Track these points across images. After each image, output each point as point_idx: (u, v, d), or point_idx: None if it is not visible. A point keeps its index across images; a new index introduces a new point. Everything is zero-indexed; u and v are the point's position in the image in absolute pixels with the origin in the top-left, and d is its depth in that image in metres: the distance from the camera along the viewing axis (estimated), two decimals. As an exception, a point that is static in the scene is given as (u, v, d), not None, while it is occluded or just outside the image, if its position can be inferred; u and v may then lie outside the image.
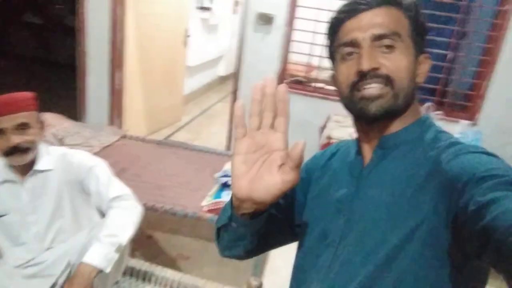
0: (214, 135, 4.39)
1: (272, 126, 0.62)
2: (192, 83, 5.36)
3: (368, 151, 0.79)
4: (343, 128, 2.67)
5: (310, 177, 0.90)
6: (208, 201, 2.02)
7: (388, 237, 0.69)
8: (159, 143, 2.94)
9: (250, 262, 2.14)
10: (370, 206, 0.73)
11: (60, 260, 1.40)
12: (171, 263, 1.92)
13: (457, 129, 2.56)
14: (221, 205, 1.95)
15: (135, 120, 3.82)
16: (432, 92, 2.92)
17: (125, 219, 1.36)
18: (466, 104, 2.96)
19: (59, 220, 1.42)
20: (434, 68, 2.69)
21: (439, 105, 2.85)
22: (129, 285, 1.57)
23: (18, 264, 1.40)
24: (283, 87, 0.60)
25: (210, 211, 1.97)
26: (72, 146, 2.40)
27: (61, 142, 2.55)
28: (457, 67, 2.95)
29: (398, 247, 0.67)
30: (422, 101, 2.58)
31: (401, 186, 0.70)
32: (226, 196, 2.00)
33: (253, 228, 0.73)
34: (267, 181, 0.62)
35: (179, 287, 1.61)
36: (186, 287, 1.62)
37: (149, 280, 1.61)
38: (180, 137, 4.27)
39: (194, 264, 2.17)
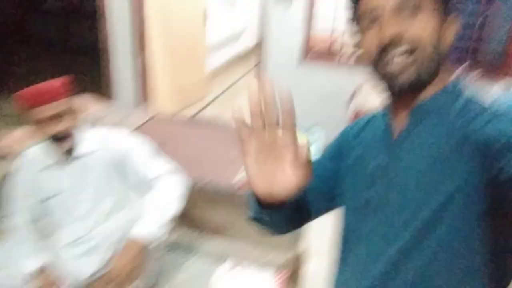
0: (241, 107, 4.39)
1: (277, 123, 0.62)
2: (215, 59, 5.35)
3: (399, 121, 0.78)
4: (373, 98, 2.63)
5: (342, 150, 0.91)
6: (240, 177, 2.05)
7: (425, 204, 0.70)
8: (187, 121, 2.97)
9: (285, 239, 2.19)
10: (405, 174, 0.74)
11: (106, 238, 1.46)
12: (212, 236, 1.96)
13: (495, 89, 2.48)
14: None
15: (162, 100, 3.87)
16: (466, 51, 2.81)
17: (170, 194, 1.41)
18: (503, 63, 2.82)
19: (102, 201, 1.48)
20: (468, 26, 2.59)
21: (475, 66, 2.75)
22: (174, 258, 1.63)
23: (66, 244, 1.47)
24: (286, 97, 0.60)
25: (243, 186, 2.01)
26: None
27: (92, 126, 2.61)
28: (492, 24, 2.83)
29: (436, 212, 0.68)
30: (457, 62, 2.50)
31: (434, 153, 0.70)
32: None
33: (285, 215, 0.75)
34: (281, 178, 0.63)
35: (223, 257, 1.66)
36: (230, 255, 1.66)
37: (193, 252, 1.66)
38: (207, 113, 4.31)
39: (235, 235, 2.21)
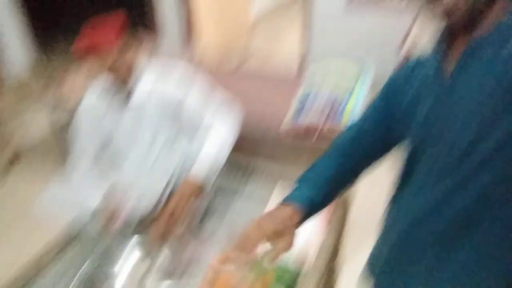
0: (286, 57, 4.35)
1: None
2: (260, 6, 5.23)
3: (451, 60, 0.78)
4: (424, 40, 2.52)
5: (395, 94, 0.92)
6: (286, 125, 2.09)
7: (481, 139, 0.71)
8: (231, 70, 2.99)
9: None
10: (461, 110, 0.75)
11: (160, 180, 1.59)
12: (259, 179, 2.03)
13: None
14: (299, 129, 2.02)
15: (206, 47, 3.88)
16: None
17: (222, 138, 1.49)
18: None
19: (157, 142, 1.59)
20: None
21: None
22: (221, 199, 1.74)
23: (131, 177, 1.61)
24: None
25: (289, 134, 2.05)
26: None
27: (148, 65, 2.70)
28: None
29: (492, 149, 0.70)
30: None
31: (490, 89, 0.70)
32: (302, 120, 2.05)
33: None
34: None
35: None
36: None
37: (238, 193, 1.79)
38: (252, 62, 4.31)
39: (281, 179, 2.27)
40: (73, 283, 1.35)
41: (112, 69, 1.42)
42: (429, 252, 0.83)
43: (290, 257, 1.49)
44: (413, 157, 0.88)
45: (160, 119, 1.55)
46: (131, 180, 1.61)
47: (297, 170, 1.81)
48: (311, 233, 1.59)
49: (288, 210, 0.84)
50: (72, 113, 3.09)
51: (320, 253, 1.49)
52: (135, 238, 1.50)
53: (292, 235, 0.82)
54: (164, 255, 1.44)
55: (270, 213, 0.85)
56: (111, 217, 1.52)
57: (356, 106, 2.02)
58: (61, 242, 1.58)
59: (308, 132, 2.05)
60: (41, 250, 1.53)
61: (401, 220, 0.88)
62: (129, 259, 1.46)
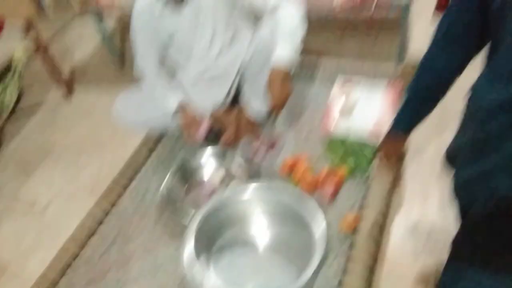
0: None
1: None
2: None
3: None
4: None
5: None
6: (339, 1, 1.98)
7: None
8: None
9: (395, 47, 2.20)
10: None
11: (233, 62, 1.58)
12: (319, 58, 2.00)
13: None
14: (354, 1, 1.91)
15: None
16: None
17: (294, 19, 1.42)
18: None
19: (219, 35, 1.55)
20: None
21: None
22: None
23: (192, 77, 1.63)
24: None
25: (344, 7, 1.96)
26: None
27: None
28: None
29: None
30: None
31: None
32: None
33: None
34: None
35: (334, 76, 1.77)
36: (340, 73, 1.77)
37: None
38: None
39: (342, 55, 2.24)
40: (167, 178, 1.49)
41: None
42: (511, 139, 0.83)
43: (365, 132, 1.53)
44: (496, 46, 0.83)
45: (219, 10, 1.50)
46: (197, 77, 1.63)
47: (354, 63, 1.77)
48: (382, 109, 1.60)
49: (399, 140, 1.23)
50: (119, 18, 3.05)
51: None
52: (209, 149, 1.57)
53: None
54: (238, 161, 1.52)
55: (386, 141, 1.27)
56: (192, 123, 1.57)
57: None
58: (149, 144, 1.71)
59: (364, 2, 1.94)
60: (133, 152, 1.67)
61: (481, 108, 0.86)
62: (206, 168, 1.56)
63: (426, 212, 1.71)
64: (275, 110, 1.46)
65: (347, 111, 1.63)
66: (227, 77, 1.60)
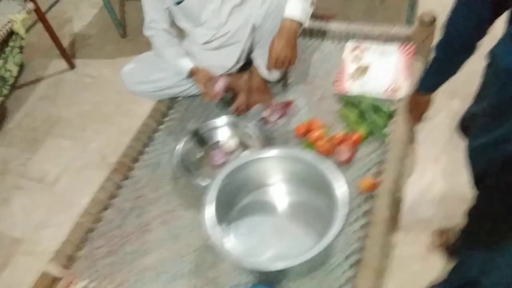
0: None
1: None
2: None
3: None
4: None
5: None
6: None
7: None
8: None
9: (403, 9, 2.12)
10: None
11: (243, 27, 1.51)
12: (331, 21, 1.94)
13: None
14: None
15: None
16: None
17: None
18: None
19: None
20: None
21: None
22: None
23: (204, 41, 1.57)
24: None
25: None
26: None
27: None
28: None
29: None
30: None
31: None
32: None
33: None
34: None
35: (347, 38, 1.74)
36: (352, 36, 1.73)
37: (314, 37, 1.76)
38: None
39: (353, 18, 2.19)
40: (181, 144, 1.46)
41: None
42: None
43: (379, 93, 1.49)
44: None
45: None
46: (206, 43, 1.56)
47: (364, 27, 1.71)
48: (395, 71, 1.55)
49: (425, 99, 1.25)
50: None
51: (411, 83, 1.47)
52: (222, 118, 1.53)
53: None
54: (251, 129, 1.47)
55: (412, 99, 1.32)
56: (208, 80, 1.50)
57: None
58: (158, 113, 1.66)
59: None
60: (142, 122, 1.63)
61: (504, 70, 0.82)
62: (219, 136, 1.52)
63: (437, 177, 1.70)
64: (272, 67, 1.41)
65: (360, 75, 1.58)
66: (238, 41, 1.54)
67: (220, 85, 1.48)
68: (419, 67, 1.55)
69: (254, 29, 1.49)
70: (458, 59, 1.04)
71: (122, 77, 1.64)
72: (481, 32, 0.96)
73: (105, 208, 1.41)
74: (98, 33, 2.88)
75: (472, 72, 1.11)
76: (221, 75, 1.53)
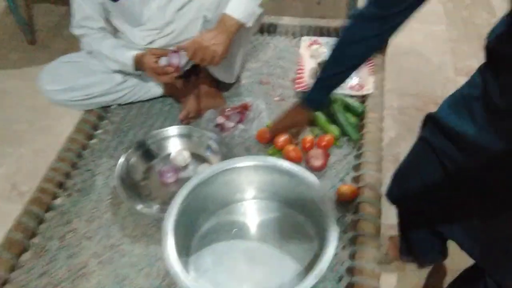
0: None
1: None
2: None
3: None
4: None
5: None
6: None
7: None
8: None
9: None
10: None
11: (194, 21, 1.30)
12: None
13: None
14: None
15: None
16: None
17: None
18: None
19: None
20: None
21: None
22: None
23: (145, 43, 1.31)
24: None
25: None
26: None
27: None
28: None
29: None
30: None
31: None
32: None
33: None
34: None
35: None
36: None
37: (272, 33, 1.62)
38: None
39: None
40: (120, 161, 1.18)
41: None
42: None
43: (348, 87, 1.35)
44: None
45: None
46: (151, 39, 1.31)
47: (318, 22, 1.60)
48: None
49: (304, 114, 1.16)
50: None
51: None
52: (172, 129, 1.28)
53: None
54: (205, 139, 1.25)
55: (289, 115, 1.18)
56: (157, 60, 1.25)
57: None
58: (87, 124, 1.36)
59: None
60: (67, 138, 1.32)
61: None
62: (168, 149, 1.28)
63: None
64: (189, 56, 1.19)
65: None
66: (187, 39, 1.28)
67: (176, 59, 1.23)
68: (379, 61, 1.45)
69: (205, 22, 1.27)
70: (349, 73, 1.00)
71: (39, 85, 1.32)
72: (381, 42, 0.91)
73: (23, 251, 1.08)
74: (1, 41, 2.45)
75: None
76: (174, 51, 1.25)
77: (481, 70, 0.78)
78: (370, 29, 0.86)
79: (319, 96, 1.09)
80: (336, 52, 0.96)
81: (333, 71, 1.00)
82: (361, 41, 0.90)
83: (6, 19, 2.40)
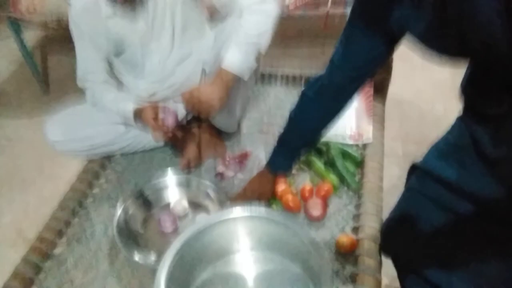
0: None
1: None
2: None
3: None
4: None
5: None
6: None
7: None
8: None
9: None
10: None
11: (194, 73, 1.34)
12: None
13: None
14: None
15: None
16: None
17: (262, 24, 1.21)
18: None
19: (180, 37, 1.29)
20: None
21: None
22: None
23: (148, 95, 1.36)
24: None
25: (296, 8, 1.85)
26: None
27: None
28: None
29: None
30: None
31: None
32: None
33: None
34: None
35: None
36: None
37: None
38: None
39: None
40: (117, 213, 1.18)
41: None
42: None
43: (344, 137, 1.36)
44: None
45: (180, 12, 1.24)
46: (154, 91, 1.35)
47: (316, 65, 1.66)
48: (357, 113, 1.44)
49: (270, 178, 1.21)
50: (43, 26, 2.66)
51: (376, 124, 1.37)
52: (170, 177, 1.30)
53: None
54: (204, 188, 1.27)
55: (260, 180, 1.21)
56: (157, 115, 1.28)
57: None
58: (89, 175, 1.39)
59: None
60: (70, 187, 1.34)
61: None
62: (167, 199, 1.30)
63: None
64: (184, 104, 1.22)
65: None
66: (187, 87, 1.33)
67: (171, 119, 1.27)
68: (379, 110, 1.47)
69: (204, 74, 1.31)
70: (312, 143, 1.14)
71: (45, 135, 1.37)
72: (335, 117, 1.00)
73: (19, 302, 1.08)
74: (16, 90, 2.55)
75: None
76: (169, 109, 1.30)
77: (462, 119, 0.78)
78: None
79: (282, 160, 1.14)
80: (290, 121, 1.03)
81: (288, 136, 1.06)
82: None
83: (24, 70, 2.51)
